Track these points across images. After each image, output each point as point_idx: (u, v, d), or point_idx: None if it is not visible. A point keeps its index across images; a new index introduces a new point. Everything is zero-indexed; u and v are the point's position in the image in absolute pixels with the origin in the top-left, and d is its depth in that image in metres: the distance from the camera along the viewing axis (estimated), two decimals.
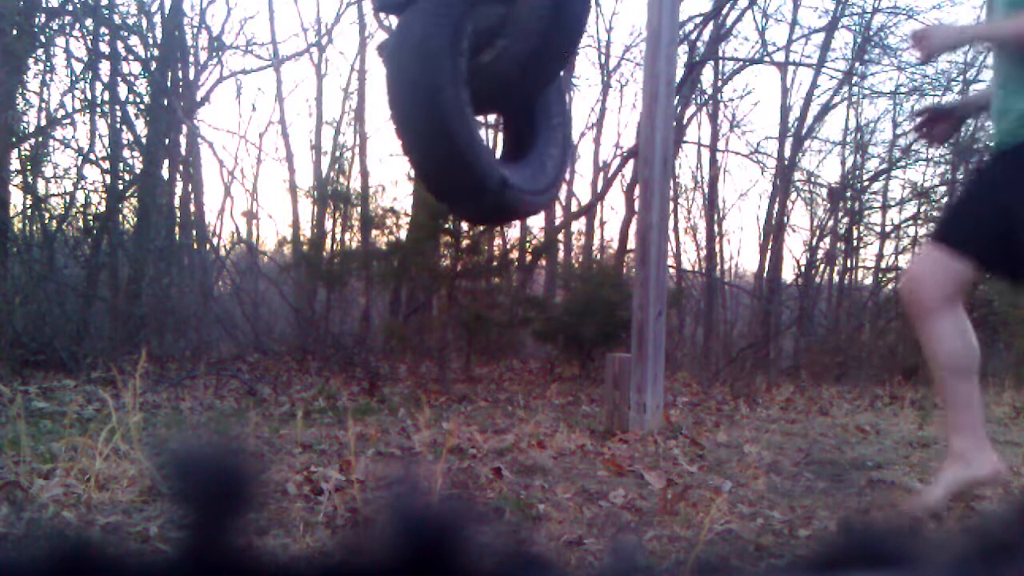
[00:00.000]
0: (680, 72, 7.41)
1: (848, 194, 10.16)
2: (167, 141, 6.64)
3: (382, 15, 7.02)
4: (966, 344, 1.93)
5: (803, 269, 9.97)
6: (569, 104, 2.61)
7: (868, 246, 11.77)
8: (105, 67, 6.52)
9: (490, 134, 6.83)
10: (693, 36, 8.27)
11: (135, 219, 6.48)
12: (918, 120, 2.12)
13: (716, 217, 10.33)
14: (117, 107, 6.45)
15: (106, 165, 6.35)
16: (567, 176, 2.73)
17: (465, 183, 2.07)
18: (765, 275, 9.82)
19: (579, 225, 10.36)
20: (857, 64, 9.75)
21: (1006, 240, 1.86)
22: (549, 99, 2.40)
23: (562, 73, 2.46)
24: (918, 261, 2.07)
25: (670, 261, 9.28)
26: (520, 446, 2.80)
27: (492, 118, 5.56)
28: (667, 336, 4.16)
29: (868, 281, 10.73)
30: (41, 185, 6.19)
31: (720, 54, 9.24)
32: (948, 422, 1.98)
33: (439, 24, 1.94)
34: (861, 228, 10.52)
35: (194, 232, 7.44)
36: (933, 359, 1.98)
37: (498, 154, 2.58)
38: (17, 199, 5.90)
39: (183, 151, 7.22)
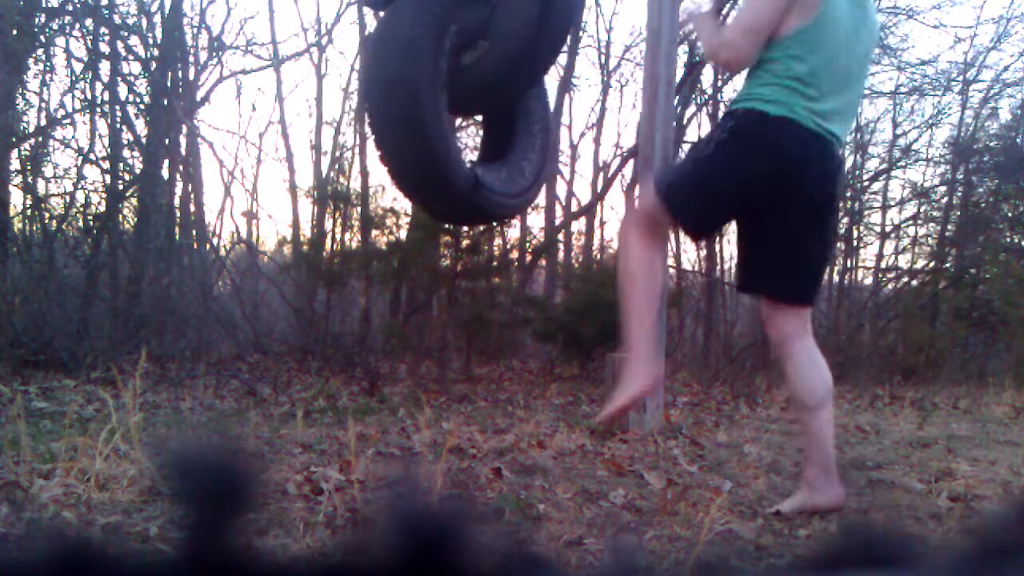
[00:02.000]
0: (680, 72, 7.41)
1: (848, 194, 10.16)
2: (167, 141, 6.64)
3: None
4: (817, 379, 2.03)
5: None
6: (552, 111, 2.60)
7: (868, 246, 11.78)
8: (105, 67, 6.52)
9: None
10: (693, 36, 8.25)
11: (135, 219, 6.48)
12: None
13: None
14: (117, 107, 6.46)
15: (106, 165, 6.35)
16: (546, 181, 2.76)
17: (436, 182, 2.09)
18: None
19: (579, 225, 10.36)
20: None
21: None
22: (531, 104, 2.41)
23: (545, 79, 2.48)
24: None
25: (670, 261, 9.28)
26: (520, 446, 2.80)
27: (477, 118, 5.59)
28: (667, 336, 4.15)
29: (868, 281, 10.74)
30: (41, 185, 6.20)
31: None
32: (804, 452, 2.08)
33: (423, 23, 1.94)
34: (861, 228, 10.53)
35: (194, 232, 7.44)
36: (791, 395, 2.11)
37: (477, 155, 2.60)
38: (17, 199, 5.91)
39: (183, 151, 7.22)
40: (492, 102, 2.38)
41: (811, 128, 1.95)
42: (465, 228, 5.61)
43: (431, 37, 1.94)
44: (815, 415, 2.01)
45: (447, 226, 5.64)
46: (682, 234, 2.16)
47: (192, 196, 7.47)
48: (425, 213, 4.19)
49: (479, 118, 4.30)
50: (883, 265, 10.61)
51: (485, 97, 2.31)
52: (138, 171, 6.41)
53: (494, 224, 5.51)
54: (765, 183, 1.97)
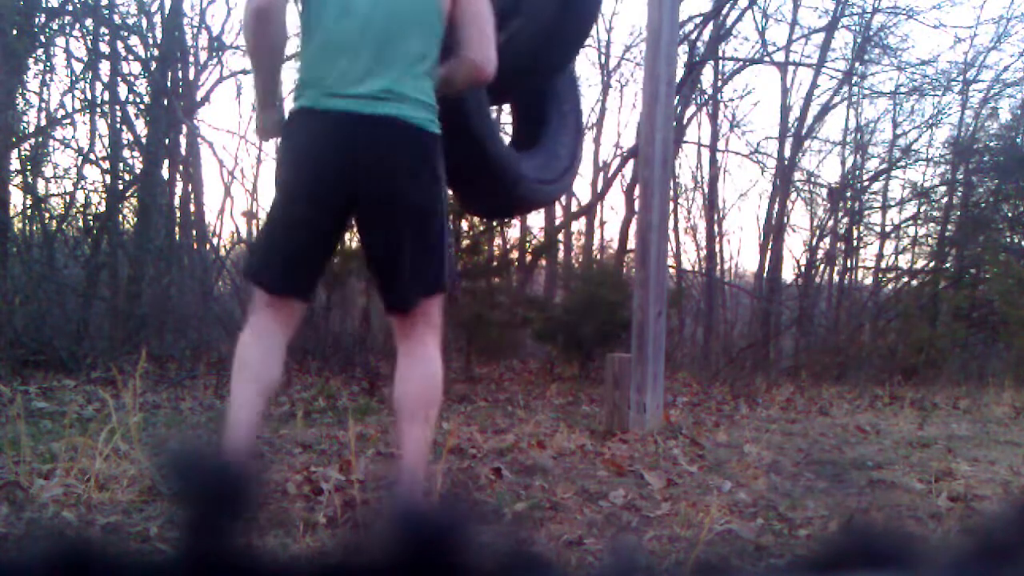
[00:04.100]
0: (680, 72, 7.41)
1: (848, 194, 10.16)
2: (167, 141, 6.64)
3: None
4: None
5: (803, 269, 9.97)
6: (580, 91, 2.47)
7: (868, 246, 11.78)
8: (105, 67, 6.51)
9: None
10: (693, 36, 8.26)
11: (135, 219, 6.47)
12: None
13: (716, 217, 10.33)
14: (117, 107, 6.45)
15: (106, 165, 6.34)
16: (580, 163, 2.59)
17: (483, 181, 2.02)
18: (765, 275, 9.82)
19: (579, 225, 10.35)
20: (857, 64, 9.75)
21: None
22: (560, 85, 2.34)
23: (575, 60, 2.41)
24: None
25: (670, 261, 9.27)
26: (520, 446, 2.80)
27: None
28: (667, 336, 4.16)
29: (868, 281, 10.74)
30: (41, 185, 6.19)
31: (720, 54, 9.24)
32: None
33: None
34: (861, 228, 10.53)
35: (194, 232, 7.43)
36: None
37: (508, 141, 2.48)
38: (17, 199, 5.90)
39: (183, 151, 7.21)
40: (523, 84, 2.26)
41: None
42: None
43: None
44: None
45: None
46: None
47: (192, 196, 7.46)
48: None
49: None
50: (883, 265, 10.61)
51: (516, 79, 2.19)
52: (138, 171, 6.41)
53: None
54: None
